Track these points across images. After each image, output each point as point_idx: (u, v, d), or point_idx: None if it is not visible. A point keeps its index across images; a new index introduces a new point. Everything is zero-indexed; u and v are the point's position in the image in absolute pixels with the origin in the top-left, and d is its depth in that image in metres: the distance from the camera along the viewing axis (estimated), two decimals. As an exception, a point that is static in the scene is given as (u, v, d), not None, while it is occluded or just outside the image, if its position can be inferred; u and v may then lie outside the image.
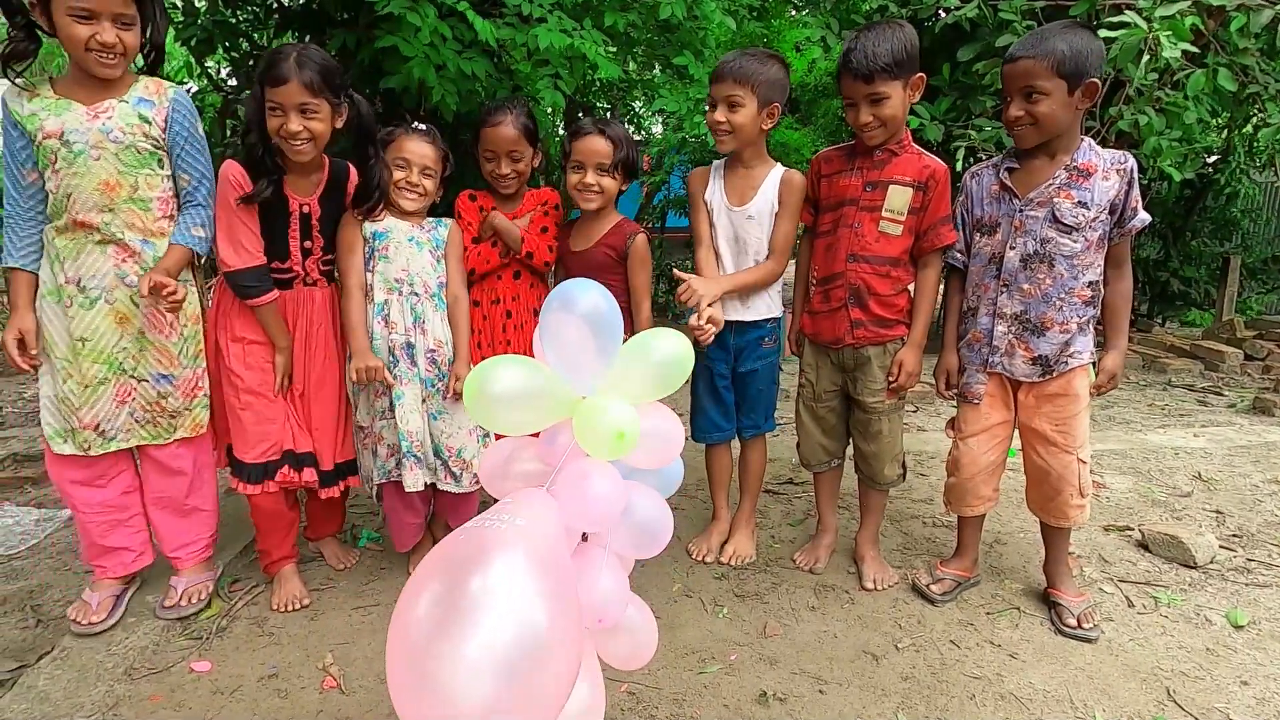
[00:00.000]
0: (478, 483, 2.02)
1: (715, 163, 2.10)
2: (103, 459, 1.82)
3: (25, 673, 1.70)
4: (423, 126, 2.02)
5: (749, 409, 2.18)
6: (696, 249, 2.11)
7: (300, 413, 1.96)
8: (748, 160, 2.03)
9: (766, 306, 2.09)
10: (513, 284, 2.12)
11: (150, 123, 1.72)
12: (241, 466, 1.90)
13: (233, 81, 4.17)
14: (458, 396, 1.98)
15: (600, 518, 1.13)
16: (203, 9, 3.69)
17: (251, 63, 3.48)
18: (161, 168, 1.76)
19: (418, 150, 1.96)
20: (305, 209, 1.89)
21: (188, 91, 2.22)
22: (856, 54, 1.79)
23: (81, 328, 1.74)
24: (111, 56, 1.65)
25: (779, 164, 2.05)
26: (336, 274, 2.01)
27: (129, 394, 1.80)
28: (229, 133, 3.90)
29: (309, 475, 1.95)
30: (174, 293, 1.70)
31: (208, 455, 1.97)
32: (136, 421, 1.82)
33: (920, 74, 1.86)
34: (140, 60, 1.80)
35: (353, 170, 1.94)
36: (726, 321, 2.04)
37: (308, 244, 1.91)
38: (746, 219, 2.01)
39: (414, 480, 1.96)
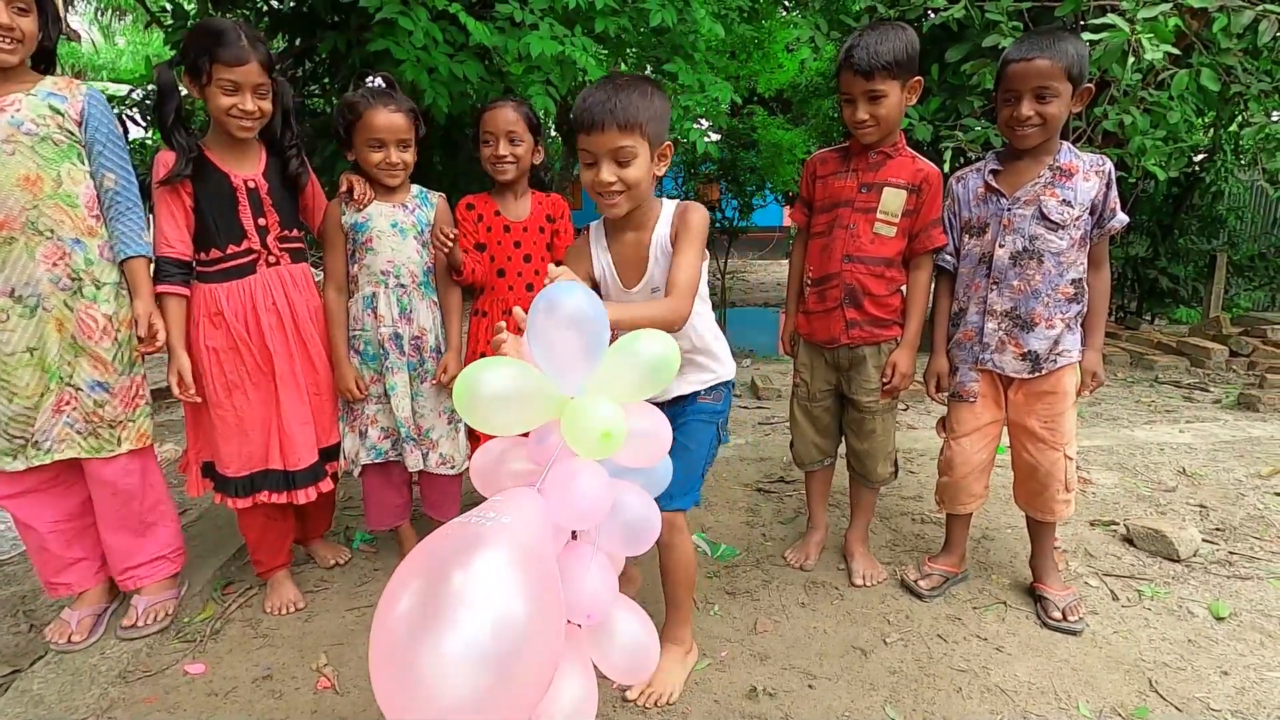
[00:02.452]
0: (444, 464, 2.07)
1: (593, 227, 1.67)
2: (60, 470, 1.76)
3: (19, 677, 1.71)
4: (380, 86, 1.94)
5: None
6: None
7: (289, 403, 1.88)
8: (638, 221, 1.58)
9: (709, 371, 1.69)
10: (525, 295, 2.11)
11: (64, 115, 1.66)
12: (225, 481, 1.87)
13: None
14: (441, 385, 2.02)
15: (588, 515, 1.15)
16: (192, 12, 3.70)
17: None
18: (82, 163, 1.70)
19: (389, 124, 1.89)
20: (251, 185, 1.83)
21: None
22: (859, 50, 1.81)
23: (29, 338, 1.68)
24: (8, 41, 1.59)
25: (668, 201, 1.62)
26: (307, 253, 2.00)
27: (66, 403, 1.72)
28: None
29: (301, 496, 1.90)
30: (155, 335, 1.73)
31: (155, 464, 1.90)
32: (77, 432, 1.73)
33: (918, 77, 1.89)
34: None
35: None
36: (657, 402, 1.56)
37: (261, 221, 1.85)
38: (652, 293, 1.59)
39: (415, 461, 2.03)
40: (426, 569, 0.89)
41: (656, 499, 1.52)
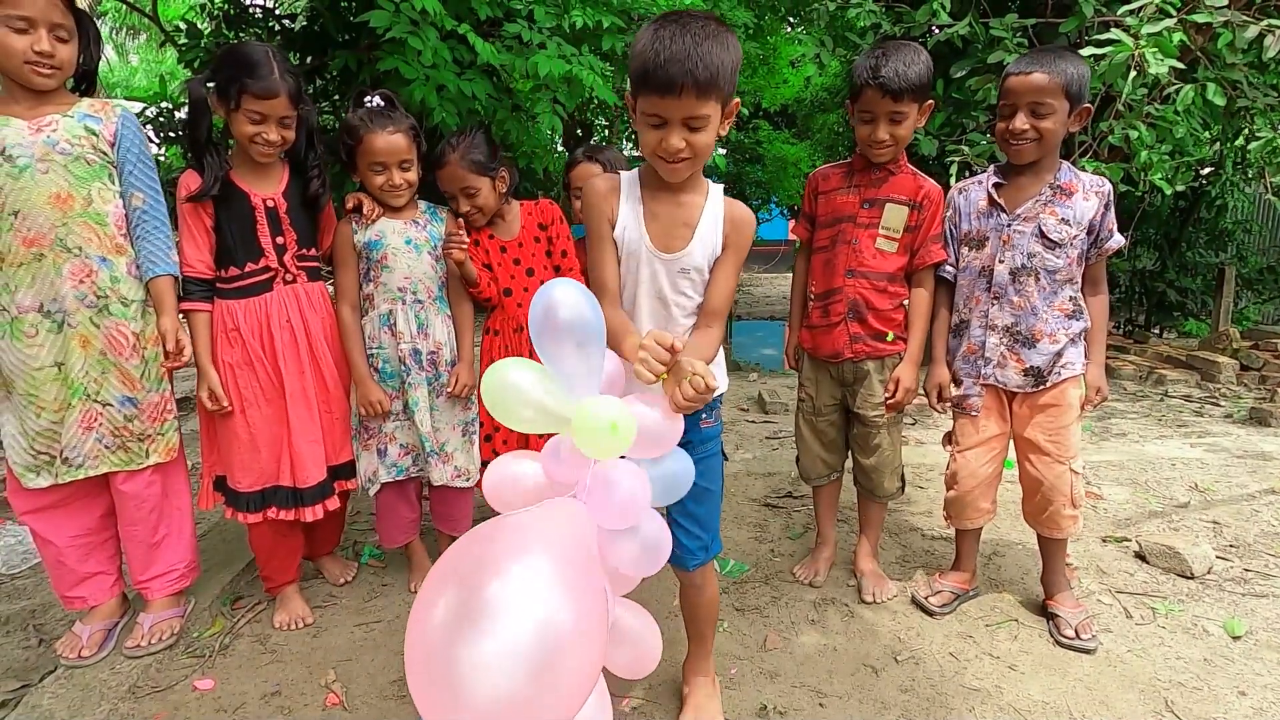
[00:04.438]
0: (460, 476, 2.07)
1: (627, 177, 1.44)
2: (81, 485, 1.77)
3: (29, 692, 1.71)
4: (380, 106, 1.95)
5: (698, 515, 1.51)
6: (601, 304, 1.29)
7: (299, 420, 1.88)
8: (684, 184, 1.40)
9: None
10: None
11: (98, 135, 1.69)
12: (236, 496, 1.88)
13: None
14: (454, 396, 2.04)
15: (629, 512, 1.17)
16: (206, 31, 3.76)
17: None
18: (113, 183, 1.73)
19: (389, 146, 1.90)
20: (270, 204, 1.85)
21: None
22: (888, 70, 1.80)
23: (56, 353, 1.69)
24: (46, 67, 1.61)
25: (711, 183, 1.45)
26: (323, 272, 2.01)
27: (95, 419, 1.73)
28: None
29: (309, 513, 1.90)
30: (181, 351, 1.76)
31: (181, 480, 1.92)
32: (106, 448, 1.75)
33: (930, 101, 1.90)
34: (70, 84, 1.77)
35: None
36: None
37: (280, 240, 1.86)
38: (679, 272, 1.40)
39: (439, 475, 2.04)
40: (458, 571, 0.89)
41: (696, 547, 1.53)
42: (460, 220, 2.07)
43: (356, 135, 1.91)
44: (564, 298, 1.18)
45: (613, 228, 1.41)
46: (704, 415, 1.50)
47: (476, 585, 0.85)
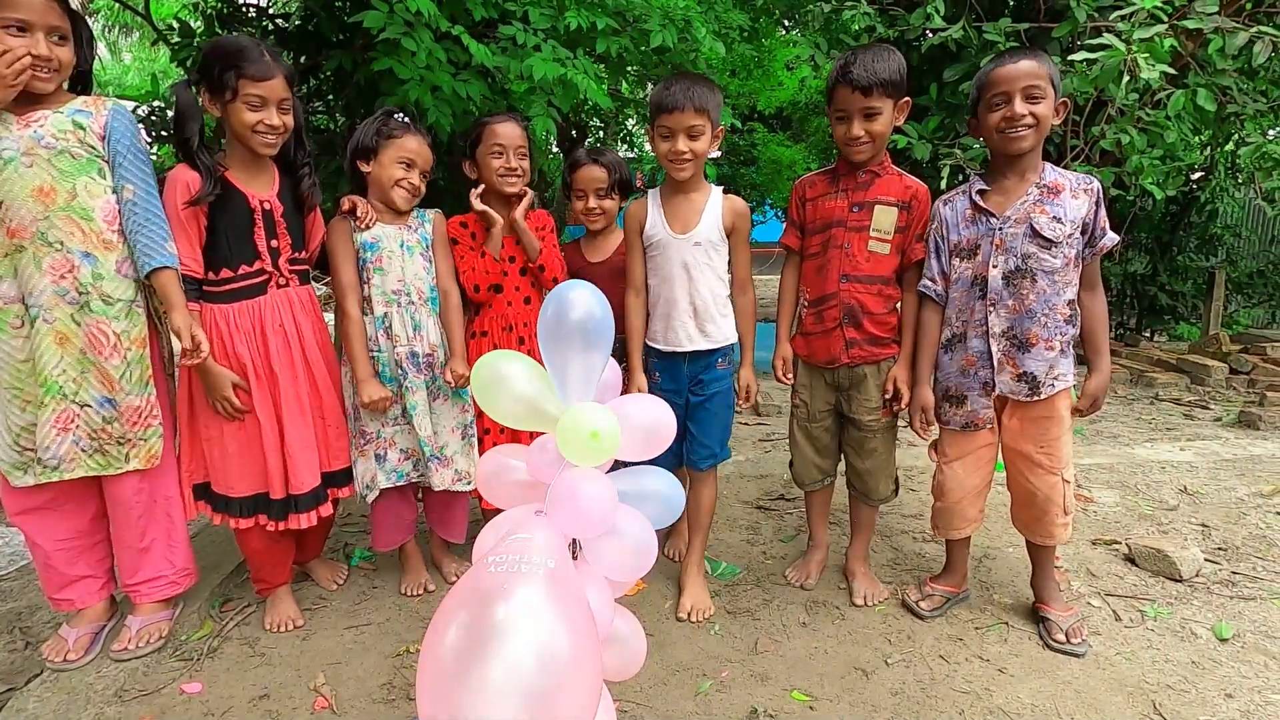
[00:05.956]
0: (460, 480, 2.06)
1: (650, 192, 2.04)
2: (72, 487, 1.75)
3: (14, 696, 1.70)
4: (403, 119, 2.02)
5: (705, 434, 2.06)
6: (628, 294, 2.05)
7: (293, 425, 1.85)
8: (690, 186, 1.99)
9: (724, 332, 2.03)
10: (524, 309, 2.12)
11: (85, 130, 1.67)
12: (228, 502, 1.85)
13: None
14: (451, 392, 2.04)
15: (596, 523, 1.17)
16: (199, 30, 3.73)
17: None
18: (103, 177, 1.70)
19: (422, 151, 2.00)
20: (266, 206, 1.83)
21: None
22: (857, 67, 1.83)
23: (31, 345, 1.67)
24: (45, 71, 1.61)
25: (714, 186, 2.04)
26: (313, 276, 2.00)
27: (71, 420, 1.69)
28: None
29: (303, 520, 1.87)
30: (199, 346, 1.69)
31: (171, 486, 1.87)
32: (83, 450, 1.71)
33: (907, 98, 1.91)
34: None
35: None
36: (682, 353, 2.02)
37: (274, 243, 1.84)
38: (693, 246, 1.96)
39: (441, 480, 2.03)
40: (470, 606, 0.94)
41: (705, 455, 2.06)
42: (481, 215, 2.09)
43: (394, 133, 1.97)
44: (578, 299, 1.19)
45: (643, 230, 2.01)
46: (719, 359, 2.04)
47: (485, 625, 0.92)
